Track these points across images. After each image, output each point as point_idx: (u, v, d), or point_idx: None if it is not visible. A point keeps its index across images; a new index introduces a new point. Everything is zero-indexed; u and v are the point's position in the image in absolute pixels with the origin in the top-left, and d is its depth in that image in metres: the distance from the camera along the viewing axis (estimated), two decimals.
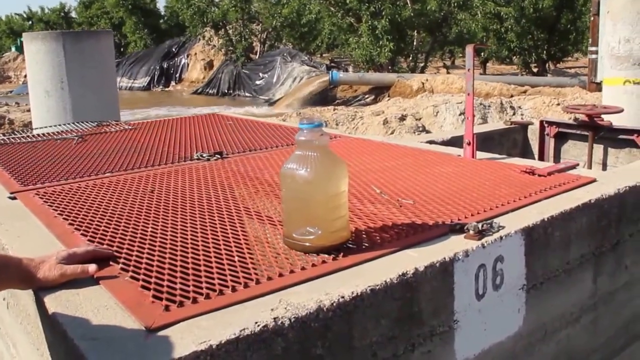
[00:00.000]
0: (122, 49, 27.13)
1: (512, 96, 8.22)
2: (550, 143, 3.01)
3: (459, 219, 1.46)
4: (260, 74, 20.39)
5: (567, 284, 1.63)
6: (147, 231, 1.44)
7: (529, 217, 1.49)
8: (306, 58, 20.24)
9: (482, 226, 1.37)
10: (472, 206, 1.56)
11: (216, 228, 1.45)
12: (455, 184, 1.78)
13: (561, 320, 1.66)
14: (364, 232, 1.37)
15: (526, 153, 3.18)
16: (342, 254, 1.23)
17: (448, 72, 18.56)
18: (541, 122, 3.05)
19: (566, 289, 1.63)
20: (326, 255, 1.22)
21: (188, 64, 24.63)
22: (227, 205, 1.65)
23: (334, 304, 1.04)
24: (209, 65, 23.97)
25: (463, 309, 1.30)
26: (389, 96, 12.42)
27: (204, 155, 2.32)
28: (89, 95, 4.14)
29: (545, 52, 19.33)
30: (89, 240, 1.39)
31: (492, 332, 1.40)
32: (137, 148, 2.53)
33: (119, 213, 1.60)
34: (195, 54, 24.59)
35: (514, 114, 5.88)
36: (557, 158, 3.03)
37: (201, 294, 1.07)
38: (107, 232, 1.45)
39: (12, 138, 2.91)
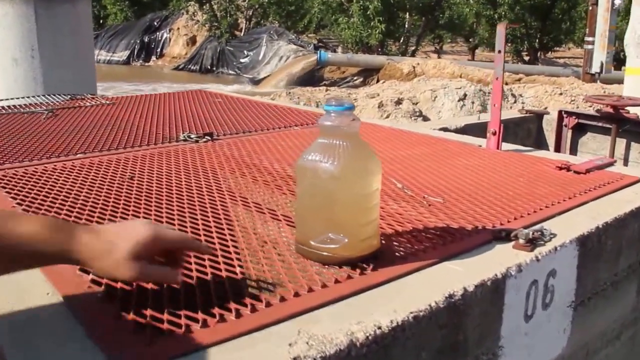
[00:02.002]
0: (101, 21, 26.33)
1: (506, 84, 7.99)
2: (568, 135, 2.79)
3: (501, 224, 1.22)
4: (245, 52, 19.95)
5: (612, 298, 1.42)
6: None
7: (580, 223, 1.26)
8: (293, 37, 19.83)
9: (533, 234, 1.13)
10: (512, 207, 1.32)
11: (210, 228, 1.20)
12: (485, 179, 1.55)
13: (602, 338, 1.45)
14: (392, 238, 1.13)
15: (540, 144, 2.97)
16: (370, 266, 0.99)
17: (439, 57, 18.30)
18: (560, 112, 2.83)
19: (612, 303, 1.42)
20: (351, 268, 0.98)
21: (170, 39, 24.07)
22: (221, 197, 1.40)
23: (369, 337, 0.81)
24: (192, 40, 23.46)
25: (510, 333, 1.08)
26: (378, 79, 12.17)
27: (192, 136, 2.06)
28: (63, 65, 3.81)
29: (537, 40, 19.15)
30: None
31: (536, 357, 1.18)
32: (115, 126, 2.26)
33: (91, 204, 1.34)
34: (178, 28, 24.04)
35: (515, 102, 5.67)
36: (573, 151, 2.82)
37: (196, 320, 0.82)
38: None
39: None
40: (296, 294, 0.89)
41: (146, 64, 23.07)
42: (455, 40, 23.83)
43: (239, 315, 0.84)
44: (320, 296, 0.89)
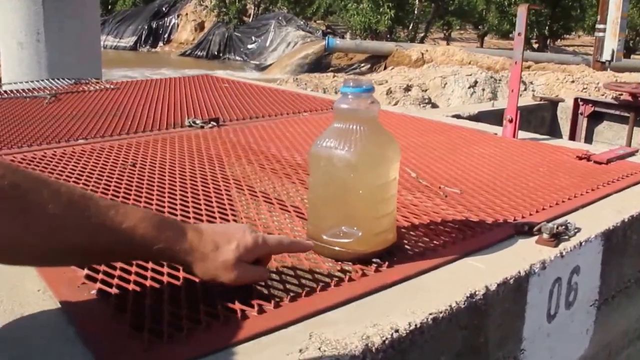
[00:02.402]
0: (109, 7, 26.18)
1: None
2: (584, 123, 2.71)
3: (523, 217, 1.15)
4: (253, 38, 19.82)
5: (635, 296, 1.35)
6: None
7: (605, 217, 1.19)
8: (302, 23, 19.68)
9: (557, 228, 1.07)
10: (533, 199, 1.26)
11: (214, 217, 1.14)
12: (503, 169, 1.48)
13: (624, 338, 1.39)
14: (408, 231, 1.06)
15: (554, 133, 2.89)
16: (386, 263, 0.92)
17: (448, 44, 18.14)
18: (575, 99, 2.75)
19: (634, 302, 1.35)
20: (366, 265, 0.92)
21: (178, 25, 23.92)
22: (226, 186, 1.34)
23: (386, 341, 0.74)
24: (200, 26, 23.31)
25: (532, 334, 1.01)
26: (385, 66, 12.05)
27: (197, 122, 1.99)
28: (68, 50, 3.74)
29: (547, 28, 18.91)
30: None
31: (558, 358, 1.12)
32: (118, 111, 2.19)
33: (90, 192, 1.28)
34: (187, 14, 23.89)
35: (525, 89, 5.57)
36: (589, 140, 2.74)
37: (197, 322, 0.76)
38: None
39: None
40: (308, 293, 0.83)
41: (153, 49, 22.96)
42: (464, 27, 23.62)
43: (245, 317, 0.77)
44: (333, 296, 0.83)
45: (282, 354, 0.70)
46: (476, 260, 0.97)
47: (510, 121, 1.78)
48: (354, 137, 0.86)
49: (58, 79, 2.99)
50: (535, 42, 19.54)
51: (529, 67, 10.04)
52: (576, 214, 1.20)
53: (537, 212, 1.18)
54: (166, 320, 0.76)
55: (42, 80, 3.04)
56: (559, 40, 21.38)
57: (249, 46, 19.79)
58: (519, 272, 0.93)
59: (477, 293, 0.86)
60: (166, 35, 23.75)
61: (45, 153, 1.61)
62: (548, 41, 19.87)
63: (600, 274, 1.16)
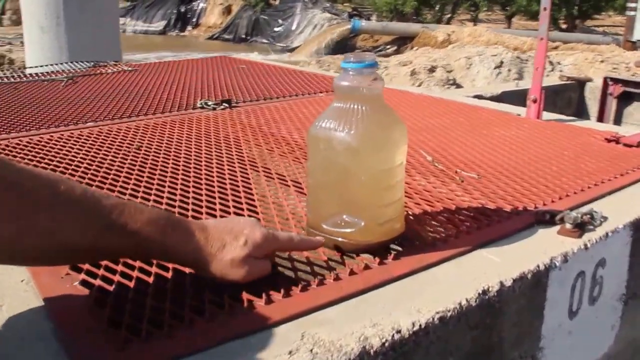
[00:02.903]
0: None
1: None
2: (613, 104, 2.59)
3: (544, 204, 1.07)
4: (280, 21, 19.72)
5: None
6: None
7: (635, 205, 1.10)
8: (328, 5, 19.48)
9: (582, 217, 0.98)
10: (557, 185, 1.17)
11: (215, 205, 1.07)
12: (525, 152, 1.39)
13: None
14: (418, 220, 0.99)
15: (581, 114, 2.77)
16: (392, 255, 0.85)
17: (475, 25, 17.79)
18: (605, 79, 2.62)
19: None
20: (370, 256, 0.85)
21: (206, 9, 23.88)
22: (231, 171, 1.27)
23: (386, 343, 0.67)
24: (227, 10, 23.24)
25: (552, 332, 0.93)
26: (412, 47, 11.87)
27: (209, 103, 1.93)
28: (88, 33, 3.71)
29: (576, 7, 18.42)
30: None
31: (579, 357, 1.04)
32: (132, 93, 2.14)
33: (89, 178, 1.23)
34: None
35: (552, 70, 5.40)
36: (618, 121, 2.62)
37: (180, 319, 0.70)
38: None
39: None
40: (304, 288, 0.76)
41: (182, 34, 22.98)
42: (491, 9, 23.16)
43: (232, 314, 0.71)
44: (331, 291, 0.76)
45: (269, 356, 0.64)
46: (491, 252, 0.89)
47: (534, 101, 1.68)
48: (355, 118, 0.79)
49: (78, 62, 2.97)
50: (564, 23, 19.06)
51: (556, 48, 9.79)
52: (603, 202, 1.11)
53: (560, 199, 1.10)
54: (146, 316, 0.70)
55: (63, 64, 3.02)
56: (588, 20, 20.83)
57: (276, 29, 19.72)
58: (538, 266, 0.85)
59: (490, 289, 0.79)
60: (194, 20, 23.76)
61: (52, 136, 1.57)
62: (577, 21, 19.37)
63: (628, 266, 1.08)
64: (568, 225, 0.96)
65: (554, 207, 1.05)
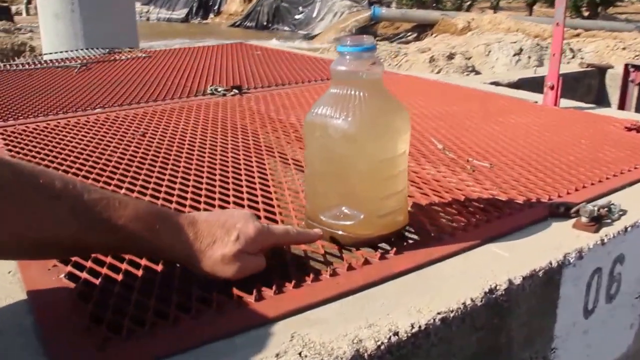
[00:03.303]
0: None
1: (564, 39, 7.48)
2: (634, 92, 2.50)
3: (559, 196, 1.02)
4: (300, 8, 19.66)
5: None
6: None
7: None
8: None
9: (599, 210, 0.92)
10: (573, 175, 1.11)
11: (214, 195, 1.03)
12: (540, 141, 1.33)
13: None
14: (424, 211, 0.94)
15: (601, 102, 2.69)
16: (394, 249, 0.80)
17: (495, 12, 17.53)
18: (625, 66, 2.54)
19: None
20: (370, 250, 0.80)
21: None
22: (235, 159, 1.23)
23: (382, 346, 0.63)
24: None
25: (565, 331, 0.88)
26: (432, 34, 11.72)
27: (219, 89, 1.89)
28: (103, 19, 3.68)
29: None
30: None
31: (596, 356, 0.99)
32: (143, 79, 2.11)
33: (90, 166, 1.20)
34: None
35: (573, 57, 5.28)
36: (639, 109, 2.54)
37: (165, 317, 0.66)
38: None
39: (9, 65, 2.52)
40: (298, 284, 0.72)
41: (204, 21, 23.00)
42: None
43: (220, 311, 0.67)
44: (327, 287, 0.72)
45: (254, 358, 0.59)
46: (501, 247, 0.84)
47: (552, 88, 1.62)
48: (352, 104, 0.73)
49: (93, 49, 2.95)
50: (586, 10, 18.70)
51: (578, 35, 9.60)
52: (622, 193, 1.05)
53: (576, 190, 1.04)
54: (130, 313, 0.66)
55: (77, 50, 3.00)
56: (610, 7, 20.40)
57: (297, 16, 19.68)
58: (550, 263, 0.80)
59: (497, 288, 0.74)
60: (216, 7, 23.76)
61: (58, 122, 1.55)
62: (599, 8, 18.98)
63: None
64: (584, 219, 0.91)
65: (569, 199, 0.99)
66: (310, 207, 0.83)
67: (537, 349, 0.84)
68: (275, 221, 0.91)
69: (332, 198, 0.79)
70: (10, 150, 1.29)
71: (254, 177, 1.11)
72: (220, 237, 0.70)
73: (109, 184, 1.08)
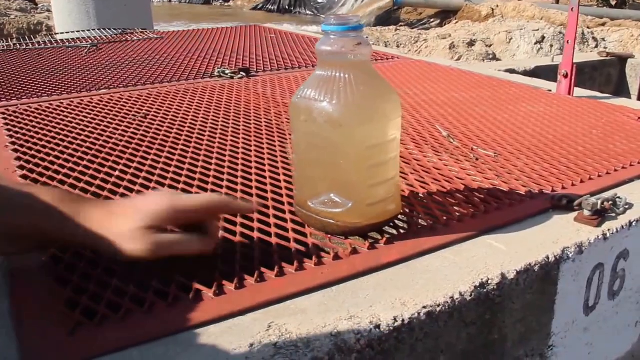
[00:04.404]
0: None
1: (589, 28, 7.32)
2: None
3: (563, 187, 0.98)
4: None
5: None
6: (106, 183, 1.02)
7: None
8: None
9: (603, 203, 0.89)
10: (580, 167, 1.07)
11: (207, 179, 1.01)
12: (550, 130, 1.29)
13: None
14: (422, 200, 0.91)
15: (621, 92, 2.62)
16: (384, 239, 0.77)
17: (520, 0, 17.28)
18: None
19: None
20: (360, 240, 0.78)
21: None
22: (233, 144, 1.21)
23: (362, 339, 0.60)
24: None
25: (564, 328, 0.85)
26: (456, 20, 11.57)
27: (227, 71, 1.87)
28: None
29: None
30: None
31: (598, 355, 0.95)
32: (152, 61, 2.10)
33: (86, 147, 1.18)
34: None
35: (596, 46, 5.17)
36: None
37: (141, 303, 0.64)
38: (57, 176, 1.03)
39: (19, 44, 2.52)
40: (280, 272, 0.70)
41: (226, 3, 22.93)
42: None
43: (198, 298, 0.65)
44: (311, 277, 0.69)
45: (228, 348, 0.57)
46: (497, 239, 0.81)
47: (566, 76, 1.57)
48: (337, 87, 0.70)
49: (105, 29, 2.94)
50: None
51: (604, 24, 9.40)
52: (630, 186, 1.01)
53: (582, 182, 1.00)
54: (106, 298, 0.64)
55: (89, 30, 3.00)
56: None
57: (319, 0, 19.54)
58: (548, 258, 0.77)
59: (489, 282, 0.71)
60: None
61: (61, 103, 1.54)
62: None
63: None
64: (586, 212, 0.87)
65: (573, 191, 0.96)
66: (299, 193, 0.81)
67: (533, 346, 0.81)
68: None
69: (321, 185, 0.76)
70: (9, 130, 1.28)
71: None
72: (130, 215, 0.67)
73: (104, 166, 1.07)
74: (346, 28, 0.70)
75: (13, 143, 1.20)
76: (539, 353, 0.82)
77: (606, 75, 2.59)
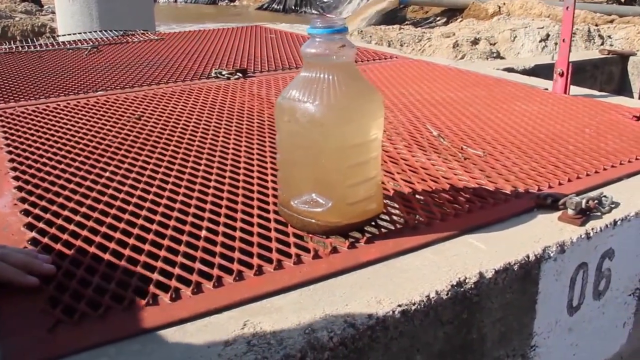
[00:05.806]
0: None
1: (597, 25, 7.28)
2: None
3: (550, 186, 0.98)
4: None
5: None
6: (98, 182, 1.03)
7: None
8: None
9: (587, 202, 0.89)
10: (569, 166, 1.07)
11: (195, 179, 1.02)
12: (542, 129, 1.29)
13: None
14: (406, 200, 0.91)
15: (623, 90, 2.61)
16: (364, 238, 0.78)
17: None
18: None
19: None
20: (341, 239, 0.78)
21: None
22: (224, 146, 1.22)
23: (334, 338, 0.61)
24: None
25: (547, 328, 0.85)
26: (461, 19, 11.55)
27: (224, 72, 1.88)
28: (119, 1, 3.68)
29: None
30: (17, 188, 0.99)
31: (583, 356, 0.95)
32: (150, 62, 2.11)
33: (79, 149, 1.19)
34: None
35: (602, 43, 5.14)
36: None
37: (120, 300, 0.65)
38: (48, 177, 1.05)
39: (21, 46, 2.53)
40: (259, 271, 0.70)
41: (232, 3, 22.97)
42: None
43: (177, 296, 0.66)
44: (289, 275, 0.70)
45: (203, 345, 0.58)
46: (478, 238, 0.81)
47: (561, 75, 1.57)
48: (320, 88, 0.71)
49: (106, 31, 2.95)
50: None
51: (612, 22, 9.35)
52: (617, 185, 1.01)
53: (569, 181, 1.01)
54: (87, 296, 0.65)
55: (91, 32, 3.01)
56: None
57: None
58: (528, 257, 0.77)
59: (466, 281, 0.71)
60: None
61: (58, 105, 1.55)
62: None
63: None
64: (570, 211, 0.87)
65: (560, 190, 0.96)
66: (283, 193, 0.81)
67: (515, 346, 0.81)
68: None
69: (303, 184, 0.77)
70: (4, 132, 1.29)
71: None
72: None
73: (95, 167, 1.08)
74: (331, 31, 0.71)
75: (8, 145, 1.21)
76: (521, 353, 0.83)
77: (608, 73, 2.58)
